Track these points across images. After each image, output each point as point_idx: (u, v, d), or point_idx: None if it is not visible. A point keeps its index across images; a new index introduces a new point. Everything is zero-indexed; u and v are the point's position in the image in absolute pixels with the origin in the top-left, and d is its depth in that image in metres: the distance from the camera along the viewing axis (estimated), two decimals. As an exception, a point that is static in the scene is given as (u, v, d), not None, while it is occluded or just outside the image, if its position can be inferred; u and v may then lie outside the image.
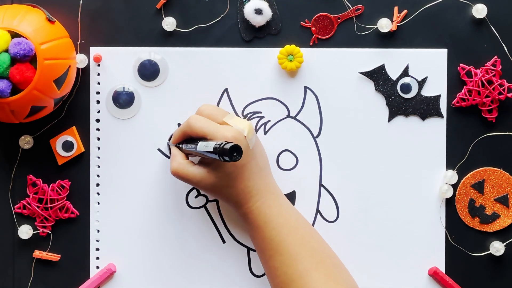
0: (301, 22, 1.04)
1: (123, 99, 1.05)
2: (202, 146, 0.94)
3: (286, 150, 1.05)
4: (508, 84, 1.04)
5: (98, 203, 1.05)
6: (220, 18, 1.04)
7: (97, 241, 1.05)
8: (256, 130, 1.04)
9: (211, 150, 0.91)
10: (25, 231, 1.05)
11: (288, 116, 1.05)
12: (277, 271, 0.96)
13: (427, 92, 1.05)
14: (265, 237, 0.97)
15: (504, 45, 1.04)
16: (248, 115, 1.05)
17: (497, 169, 1.05)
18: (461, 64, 1.04)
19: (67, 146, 1.04)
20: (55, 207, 1.04)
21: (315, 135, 1.05)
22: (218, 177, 0.96)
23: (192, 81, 1.05)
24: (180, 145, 1.01)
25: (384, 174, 1.05)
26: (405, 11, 1.04)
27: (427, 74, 1.05)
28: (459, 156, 1.05)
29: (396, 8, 1.04)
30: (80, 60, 1.04)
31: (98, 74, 1.05)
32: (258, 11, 1.03)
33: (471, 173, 1.05)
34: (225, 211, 1.05)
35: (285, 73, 1.05)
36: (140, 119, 1.05)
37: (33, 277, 1.05)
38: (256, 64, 1.05)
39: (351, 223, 1.05)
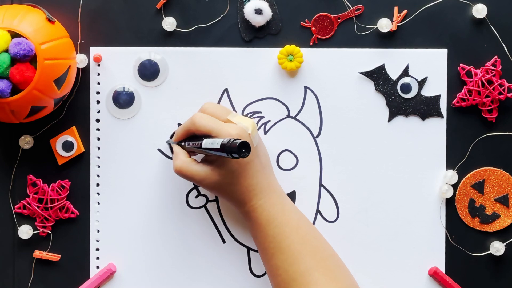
0: (301, 22, 1.04)
1: (123, 99, 1.05)
2: (208, 143, 0.94)
3: (286, 150, 1.05)
4: (508, 84, 1.04)
5: (98, 203, 1.05)
6: (220, 18, 1.04)
7: (97, 241, 1.05)
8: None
9: (218, 147, 0.91)
10: (25, 231, 1.05)
11: (288, 116, 1.05)
12: (278, 270, 0.96)
13: (427, 92, 1.05)
14: (267, 235, 0.97)
15: (504, 45, 1.04)
16: (248, 115, 1.05)
17: (497, 169, 1.05)
18: (461, 64, 1.04)
19: (67, 146, 1.04)
20: (55, 207, 1.04)
21: (315, 135, 1.05)
22: (222, 175, 0.96)
23: (192, 81, 1.05)
24: (183, 143, 1.01)
25: (384, 174, 1.05)
26: (405, 11, 1.04)
27: (427, 74, 1.05)
28: (459, 156, 1.05)
29: (396, 8, 1.04)
30: (80, 60, 1.04)
31: (98, 74, 1.05)
32: (258, 11, 1.03)
33: (471, 173, 1.05)
34: (225, 211, 1.06)
35: (285, 73, 1.05)
36: (140, 119, 1.05)
37: (33, 277, 1.05)
38: (256, 64, 1.05)
39: (351, 223, 1.05)
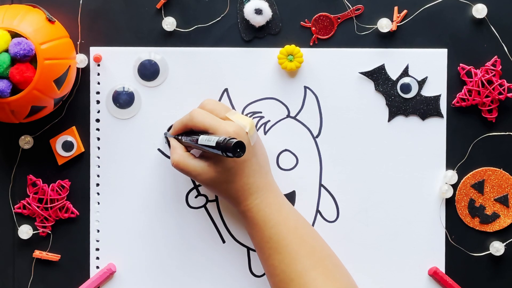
0: (301, 22, 1.04)
1: (123, 99, 1.05)
2: (203, 140, 0.94)
3: (286, 150, 1.05)
4: (508, 84, 1.04)
5: (98, 203, 1.05)
6: (220, 18, 1.04)
7: (97, 241, 1.05)
8: (257, 130, 1.04)
9: (214, 144, 0.91)
10: (25, 231, 1.05)
11: (288, 116, 1.05)
12: (276, 270, 0.96)
13: (427, 92, 1.05)
14: (264, 235, 0.97)
15: (504, 45, 1.04)
16: (248, 115, 1.05)
17: (497, 169, 1.05)
18: (461, 64, 1.04)
19: (67, 146, 1.04)
20: (55, 207, 1.04)
21: (315, 135, 1.05)
22: (218, 171, 0.96)
23: (192, 81, 1.05)
24: (180, 137, 1.00)
25: (384, 174, 1.05)
26: (405, 11, 1.04)
27: (427, 74, 1.05)
28: (459, 156, 1.05)
29: (396, 8, 1.04)
30: (80, 60, 1.04)
31: (98, 74, 1.05)
32: (258, 11, 1.03)
33: (471, 173, 1.05)
34: (225, 211, 1.05)
35: (285, 73, 1.05)
36: (140, 119, 1.05)
37: (33, 277, 1.05)
38: (256, 64, 1.05)
39: (351, 223, 1.05)
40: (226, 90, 1.05)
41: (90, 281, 1.05)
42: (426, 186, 1.05)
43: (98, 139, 1.05)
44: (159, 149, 1.05)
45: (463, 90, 1.04)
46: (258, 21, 1.04)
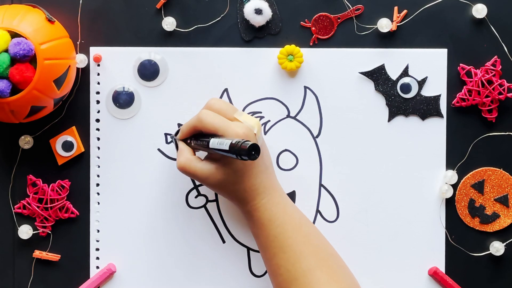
0: (301, 22, 1.04)
1: (123, 99, 1.05)
2: (215, 143, 0.93)
3: (286, 150, 1.05)
4: (508, 84, 1.04)
5: (98, 203, 1.05)
6: (220, 18, 1.04)
7: (97, 241, 1.05)
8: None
9: (227, 148, 0.90)
10: (25, 231, 1.05)
11: (288, 116, 1.05)
12: (280, 269, 0.96)
13: (427, 92, 1.05)
14: (269, 234, 0.97)
15: (504, 45, 1.04)
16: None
17: (497, 169, 1.05)
18: (461, 64, 1.04)
19: (67, 146, 1.04)
20: (55, 207, 1.04)
21: (315, 135, 1.05)
22: (226, 173, 0.96)
23: (192, 81, 1.05)
24: (188, 141, 1.00)
25: (384, 174, 1.05)
26: (405, 11, 1.04)
27: (427, 74, 1.05)
28: (459, 156, 1.05)
29: (396, 8, 1.04)
30: (80, 60, 1.04)
31: (98, 74, 1.05)
32: (258, 11, 1.03)
33: (471, 173, 1.05)
34: (225, 211, 1.05)
35: (285, 73, 1.05)
36: (140, 119, 1.05)
37: (33, 277, 1.05)
38: (256, 64, 1.05)
39: (351, 223, 1.05)
40: (226, 90, 1.05)
41: (90, 281, 1.05)
42: (426, 186, 1.05)
43: (98, 139, 1.05)
44: (159, 149, 1.05)
45: (463, 90, 1.04)
46: (258, 21, 1.04)
